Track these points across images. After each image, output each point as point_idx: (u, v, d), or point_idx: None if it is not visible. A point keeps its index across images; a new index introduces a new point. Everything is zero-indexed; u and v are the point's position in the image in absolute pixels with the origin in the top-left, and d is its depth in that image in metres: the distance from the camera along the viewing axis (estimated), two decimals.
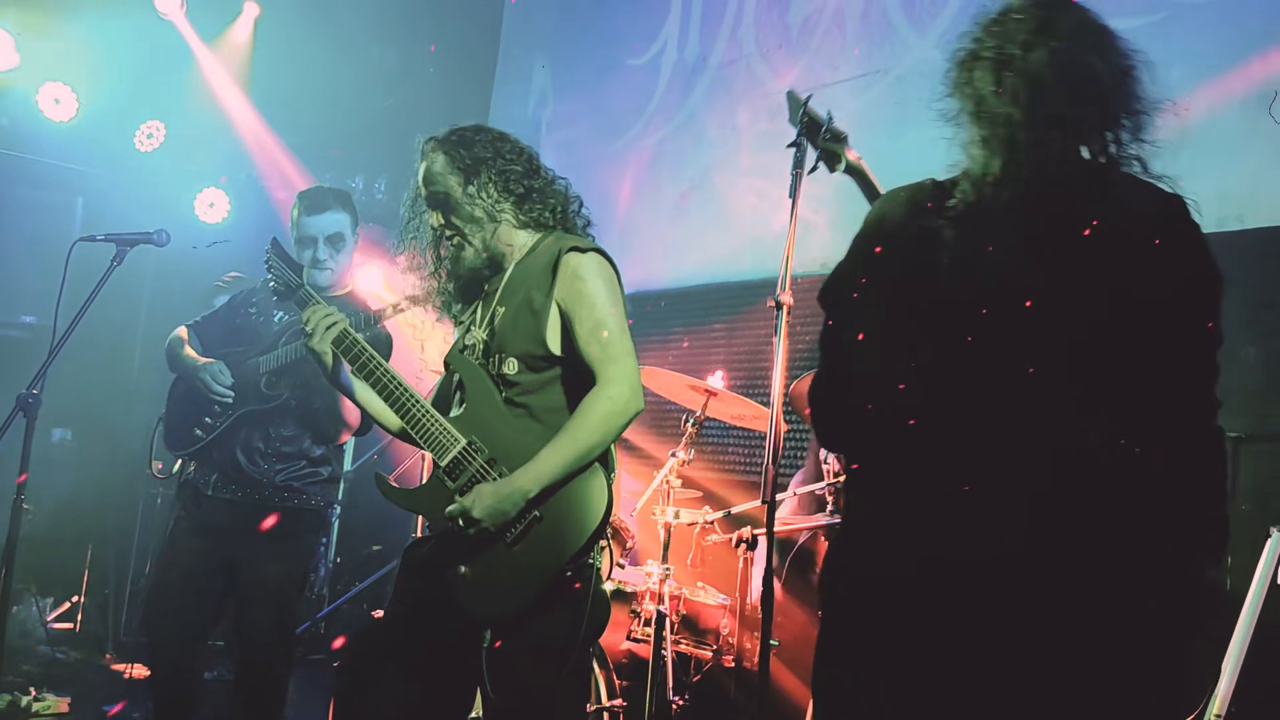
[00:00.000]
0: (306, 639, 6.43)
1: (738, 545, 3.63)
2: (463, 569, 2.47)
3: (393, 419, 2.72)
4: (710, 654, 3.84)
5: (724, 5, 6.14)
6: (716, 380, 4.05)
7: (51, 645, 5.94)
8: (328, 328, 2.67)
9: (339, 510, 7.27)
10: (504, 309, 2.63)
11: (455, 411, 2.63)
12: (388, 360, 3.76)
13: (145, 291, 6.50)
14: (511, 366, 2.58)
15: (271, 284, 2.89)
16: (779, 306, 3.00)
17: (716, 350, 5.58)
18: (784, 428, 4.04)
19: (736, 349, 5.45)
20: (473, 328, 2.71)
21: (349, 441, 6.98)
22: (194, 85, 6.51)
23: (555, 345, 2.56)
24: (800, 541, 4.05)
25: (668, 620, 3.70)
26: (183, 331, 3.85)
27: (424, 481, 2.65)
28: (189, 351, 3.77)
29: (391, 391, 2.60)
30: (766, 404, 3.72)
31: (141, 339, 6.43)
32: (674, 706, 3.66)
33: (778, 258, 4.93)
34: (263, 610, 3.60)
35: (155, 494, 6.24)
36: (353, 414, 3.62)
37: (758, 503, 3.74)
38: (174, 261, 4.96)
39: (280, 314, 3.79)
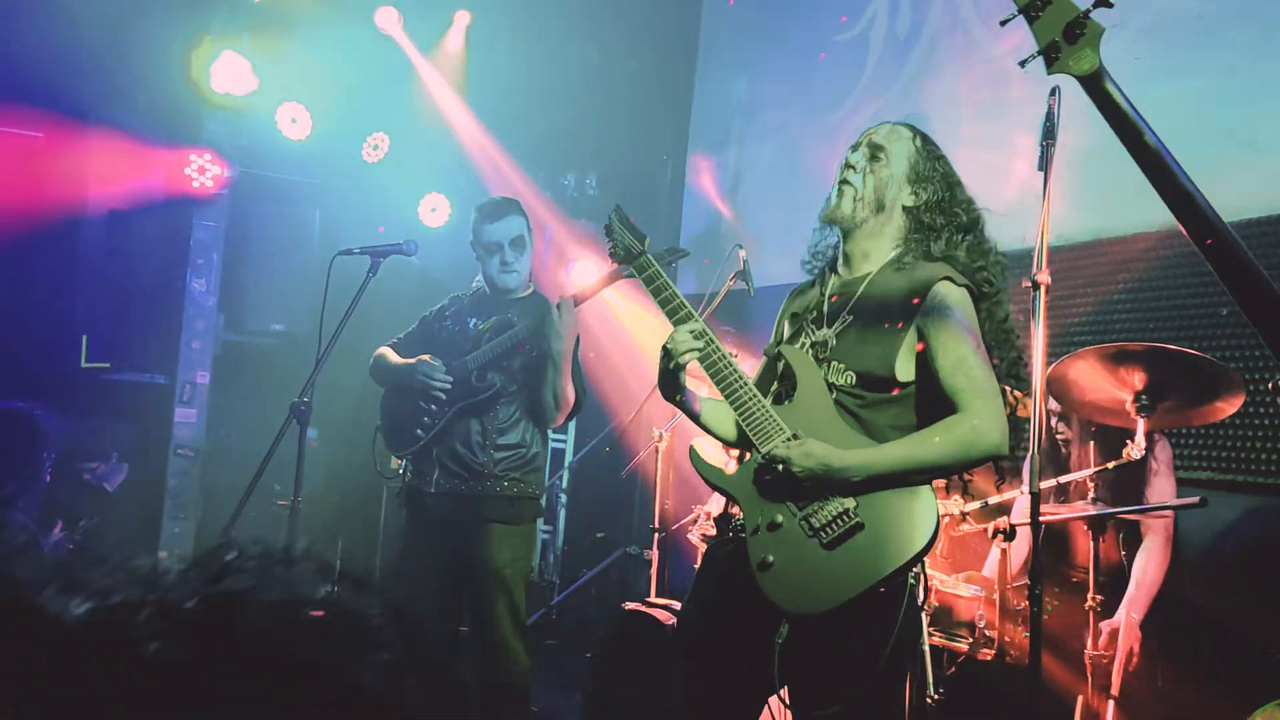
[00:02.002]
0: (540, 625, 6.64)
1: (994, 536, 3.49)
2: (770, 558, 2.45)
3: (728, 428, 2.72)
4: (966, 646, 3.72)
5: None
6: None
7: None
8: (690, 347, 2.58)
9: (565, 499, 7.49)
10: (854, 318, 2.58)
11: (783, 404, 2.60)
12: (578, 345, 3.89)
13: (377, 297, 6.83)
14: (849, 379, 2.53)
15: (610, 249, 2.85)
16: (1036, 286, 2.87)
17: None
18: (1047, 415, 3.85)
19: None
20: (809, 325, 2.67)
21: (569, 432, 7.26)
22: (414, 95, 6.79)
23: (904, 371, 2.50)
24: (1051, 530, 3.87)
25: (923, 614, 3.61)
26: (384, 349, 4.06)
27: (742, 465, 2.64)
28: (395, 359, 3.95)
29: (731, 383, 2.56)
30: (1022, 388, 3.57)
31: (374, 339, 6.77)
32: (930, 700, 3.57)
33: (1009, 230, 4.75)
34: (495, 597, 3.75)
35: (394, 489, 6.56)
36: (572, 392, 3.74)
37: (1016, 493, 3.60)
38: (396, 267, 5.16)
39: (474, 319, 3.96)
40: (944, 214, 2.61)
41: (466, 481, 3.82)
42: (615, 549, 6.74)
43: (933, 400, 2.47)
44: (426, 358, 3.88)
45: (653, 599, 4.41)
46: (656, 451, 4.76)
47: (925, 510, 2.40)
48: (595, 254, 6.49)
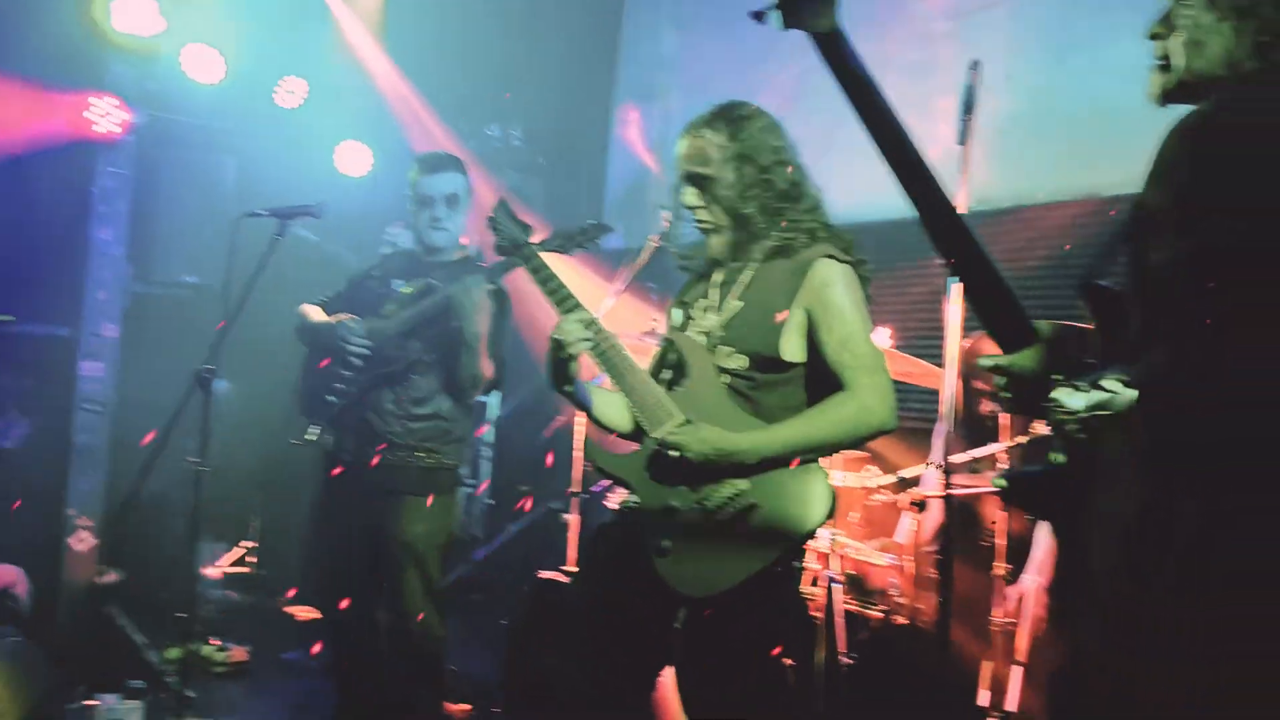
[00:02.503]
0: (463, 581, 6.63)
1: (910, 506, 3.53)
2: (666, 543, 2.46)
3: (623, 419, 2.69)
4: (880, 614, 3.78)
5: None
6: (882, 338, 3.91)
7: (225, 591, 6.25)
8: (581, 336, 2.59)
9: (491, 454, 7.45)
10: (741, 305, 2.59)
11: (674, 390, 2.61)
12: (508, 311, 3.87)
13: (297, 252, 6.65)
14: (740, 362, 2.55)
15: (496, 243, 2.88)
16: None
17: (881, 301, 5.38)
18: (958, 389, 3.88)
19: (901, 302, 5.21)
20: (696, 312, 2.67)
21: (494, 394, 7.19)
22: (332, 40, 6.55)
23: (791, 352, 2.53)
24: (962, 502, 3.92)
25: (836, 579, 3.65)
26: (307, 307, 3.95)
27: (635, 451, 2.64)
28: (316, 316, 3.85)
29: (622, 372, 2.58)
30: (935, 363, 3.59)
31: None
32: (844, 665, 3.63)
33: None
34: (409, 571, 3.71)
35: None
36: (489, 369, 3.68)
37: (927, 466, 3.63)
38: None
39: (399, 282, 3.86)
40: (783, 184, 2.60)
41: (381, 453, 3.75)
42: (541, 505, 6.73)
43: (822, 379, 2.52)
44: (346, 318, 3.78)
45: (568, 567, 4.41)
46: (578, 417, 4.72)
47: (818, 488, 2.46)
48: (518, 206, 6.37)
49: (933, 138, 5.24)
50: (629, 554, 2.53)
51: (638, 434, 2.61)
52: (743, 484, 2.45)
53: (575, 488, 4.75)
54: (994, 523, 3.55)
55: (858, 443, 2.56)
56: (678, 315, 2.77)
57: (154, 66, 5.97)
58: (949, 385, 3.12)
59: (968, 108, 3.06)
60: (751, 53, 6.47)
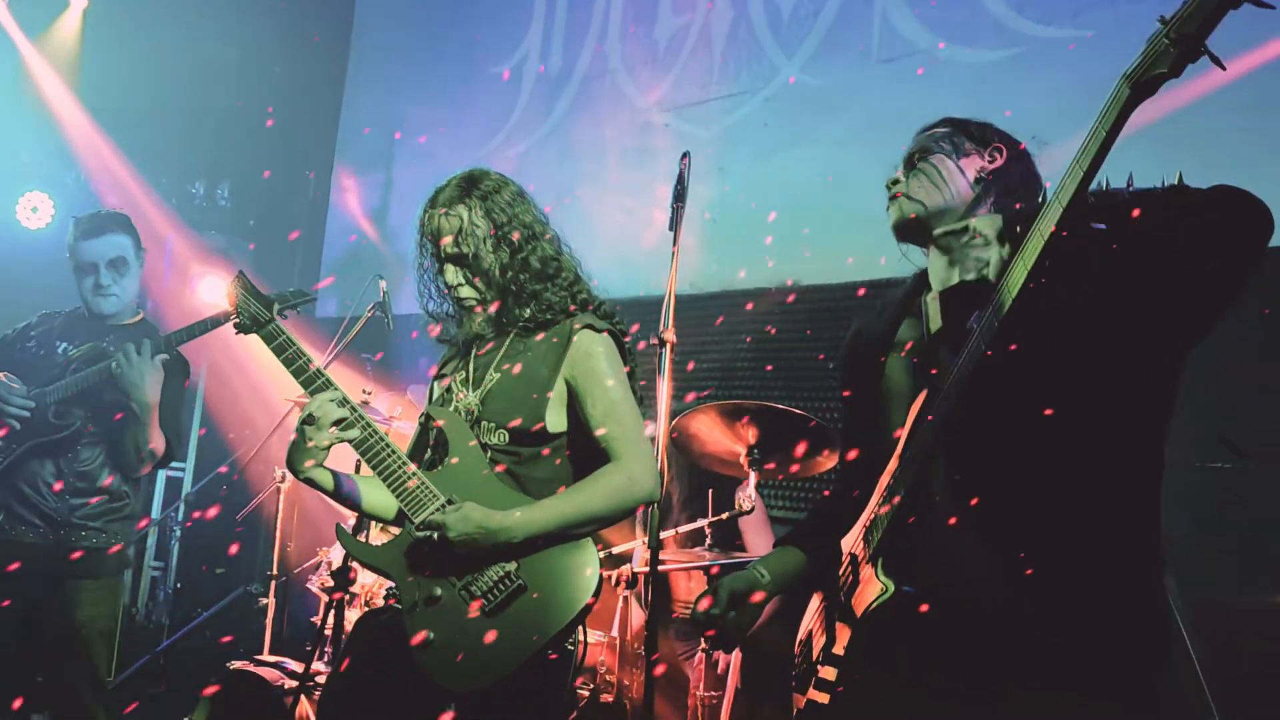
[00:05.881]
0: (145, 672, 6.05)
1: (617, 585, 3.55)
2: (430, 635, 2.30)
3: (386, 505, 2.53)
4: (587, 692, 3.75)
5: (588, 17, 6.04)
6: None
7: None
8: (338, 417, 2.40)
9: (179, 533, 6.90)
10: (499, 377, 2.49)
11: (435, 470, 2.47)
12: (185, 380, 3.64)
13: None
14: (501, 437, 2.45)
15: (235, 320, 2.59)
16: (662, 344, 2.94)
17: None
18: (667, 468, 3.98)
19: None
20: (457, 386, 2.55)
21: (189, 459, 6.70)
22: (17, 82, 6.00)
23: (555, 424, 2.44)
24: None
25: None
26: None
27: (394, 538, 2.47)
28: None
29: (379, 453, 2.40)
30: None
31: None
32: None
33: (648, 277, 4.95)
34: (69, 659, 3.35)
35: None
36: (159, 443, 3.43)
37: (638, 543, 3.68)
38: None
39: (64, 344, 3.56)
40: (545, 268, 2.56)
41: (37, 529, 3.38)
42: (235, 587, 6.27)
43: (586, 451, 2.46)
44: (3, 376, 3.39)
45: (263, 656, 4.11)
46: (278, 492, 4.46)
47: (588, 563, 2.37)
48: (223, 269, 6.04)
49: (649, 222, 5.49)
50: (389, 648, 2.34)
51: (400, 519, 2.45)
52: (510, 565, 2.33)
53: (274, 570, 4.46)
54: (690, 601, 3.64)
55: (626, 514, 2.45)
56: (437, 390, 2.66)
57: None
58: (660, 465, 3.17)
59: (679, 196, 3.17)
60: (474, 128, 6.51)
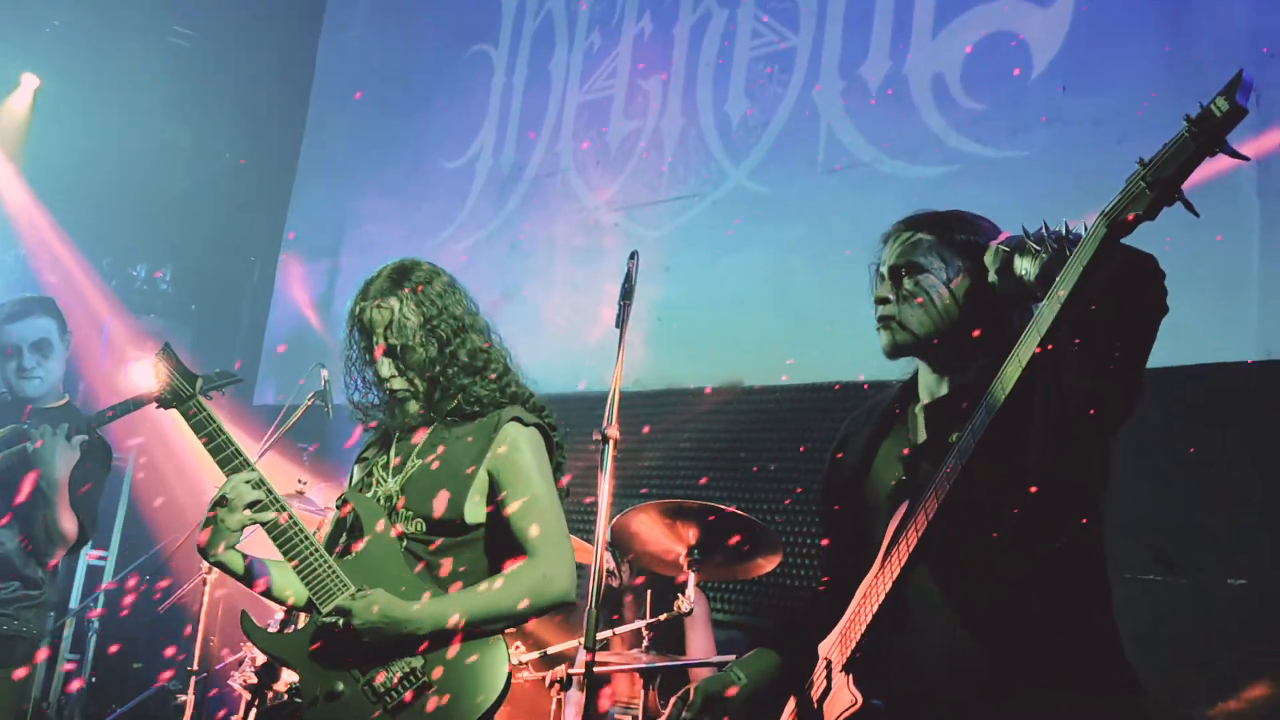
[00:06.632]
0: None
1: (551, 686, 3.46)
2: None
3: (297, 591, 2.45)
4: None
5: (542, 116, 6.14)
6: None
7: None
8: (251, 499, 2.34)
9: (96, 624, 6.63)
10: (422, 462, 2.46)
11: (349, 556, 2.42)
12: (108, 467, 3.62)
13: None
14: (418, 526, 2.41)
15: (158, 394, 2.54)
16: (605, 440, 2.93)
17: None
18: (608, 567, 3.95)
19: None
20: (379, 471, 2.51)
21: (111, 548, 6.47)
22: None
23: (473, 514, 2.42)
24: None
25: None
26: None
27: (299, 628, 2.39)
28: None
29: (290, 538, 2.35)
30: (588, 538, 3.63)
31: None
32: None
33: (593, 371, 4.96)
34: None
35: None
36: (70, 526, 3.36)
37: (575, 643, 3.60)
38: None
39: None
40: (474, 360, 2.55)
41: None
42: (152, 683, 6.02)
43: (504, 544, 2.42)
44: None
45: None
46: (204, 583, 4.32)
47: (496, 662, 2.32)
48: (152, 354, 5.93)
49: (595, 319, 5.51)
50: None
51: (311, 606, 2.38)
52: (416, 661, 2.27)
53: (194, 665, 4.29)
54: (633, 699, 3.57)
55: (539, 613, 2.42)
56: (358, 473, 2.63)
57: None
58: (598, 564, 3.13)
59: (626, 294, 3.19)
60: (424, 222, 6.54)
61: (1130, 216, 1.53)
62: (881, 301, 2.01)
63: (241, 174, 7.23)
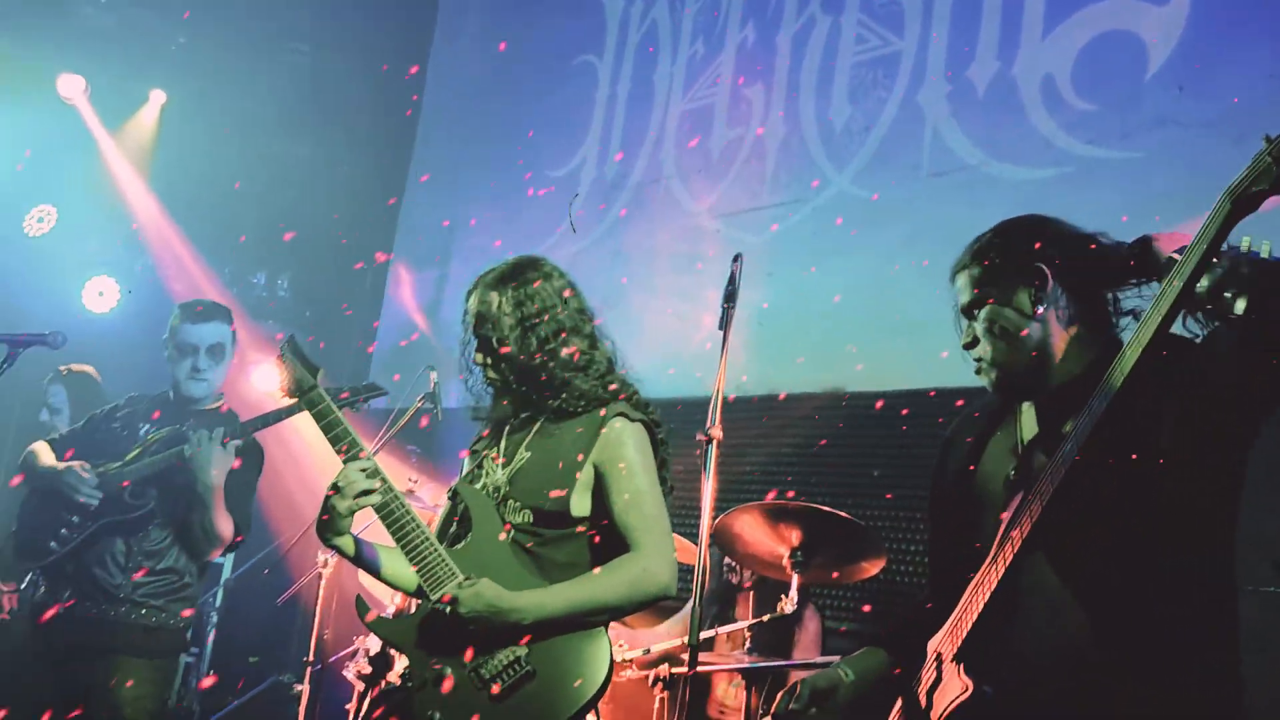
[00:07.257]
0: None
1: (654, 684, 3.50)
2: (437, 715, 2.30)
3: (407, 577, 2.54)
4: None
5: (645, 126, 6.21)
6: None
7: None
8: (364, 488, 2.43)
9: (216, 619, 6.89)
10: (530, 455, 2.52)
11: (458, 545, 2.50)
12: (260, 469, 3.71)
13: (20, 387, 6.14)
14: (526, 517, 2.47)
15: (281, 383, 2.62)
16: (709, 441, 2.96)
17: None
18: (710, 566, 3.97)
19: None
20: (489, 463, 2.58)
21: (221, 558, 6.72)
22: (92, 171, 6.27)
23: (579, 507, 2.46)
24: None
25: None
26: (40, 445, 3.67)
27: (412, 613, 2.48)
28: (46, 459, 3.57)
29: (403, 526, 2.43)
30: (691, 538, 3.66)
31: (13, 439, 6.05)
32: None
33: (695, 376, 4.97)
34: None
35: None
36: (226, 527, 3.48)
37: (680, 641, 3.63)
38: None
39: (147, 427, 3.67)
40: (573, 346, 2.57)
41: (100, 605, 3.43)
42: (269, 676, 6.23)
43: (608, 538, 2.45)
44: (77, 465, 3.50)
45: None
46: (320, 577, 4.47)
47: (598, 654, 2.36)
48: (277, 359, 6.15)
49: (697, 325, 5.55)
50: None
51: (421, 593, 2.45)
52: (521, 650, 2.32)
53: (310, 657, 4.45)
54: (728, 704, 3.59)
55: (639, 606, 2.45)
56: (468, 464, 2.69)
57: None
58: (702, 562, 3.16)
59: (730, 297, 3.21)
60: (529, 231, 6.66)
61: (1257, 191, 1.50)
62: (967, 347, 2.02)
63: (358, 185, 7.45)
